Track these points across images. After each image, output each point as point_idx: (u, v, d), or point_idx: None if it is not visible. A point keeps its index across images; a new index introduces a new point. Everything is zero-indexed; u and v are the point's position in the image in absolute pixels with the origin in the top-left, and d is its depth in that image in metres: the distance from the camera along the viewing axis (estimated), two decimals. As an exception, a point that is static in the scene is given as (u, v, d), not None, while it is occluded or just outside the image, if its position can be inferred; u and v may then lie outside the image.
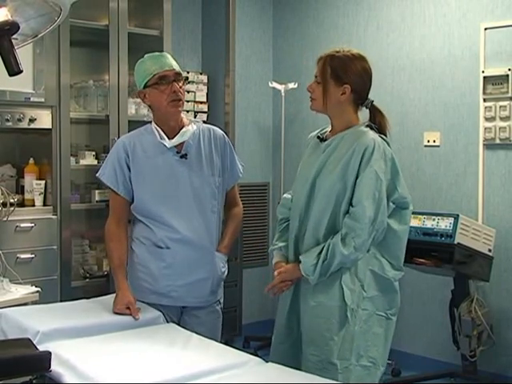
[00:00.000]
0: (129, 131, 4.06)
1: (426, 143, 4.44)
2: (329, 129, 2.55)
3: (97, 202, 4.08)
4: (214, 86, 4.87)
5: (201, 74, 4.90)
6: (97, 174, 2.72)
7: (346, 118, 2.46)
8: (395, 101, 4.57)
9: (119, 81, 4.05)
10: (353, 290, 2.37)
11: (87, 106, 4.12)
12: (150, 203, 2.64)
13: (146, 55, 2.71)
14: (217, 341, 2.42)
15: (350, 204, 2.37)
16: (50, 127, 3.81)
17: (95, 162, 4.08)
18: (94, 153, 4.09)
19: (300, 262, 2.41)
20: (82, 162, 4.04)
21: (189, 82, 2.43)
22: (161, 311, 2.56)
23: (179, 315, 2.70)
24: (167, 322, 2.55)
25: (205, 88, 4.89)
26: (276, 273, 2.50)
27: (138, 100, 4.26)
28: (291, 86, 4.97)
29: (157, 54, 2.70)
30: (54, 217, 3.82)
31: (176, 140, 2.66)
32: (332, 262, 2.34)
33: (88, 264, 4.16)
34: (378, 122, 2.47)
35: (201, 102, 4.86)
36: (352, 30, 4.88)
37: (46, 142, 3.85)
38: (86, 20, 3.99)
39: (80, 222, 4.21)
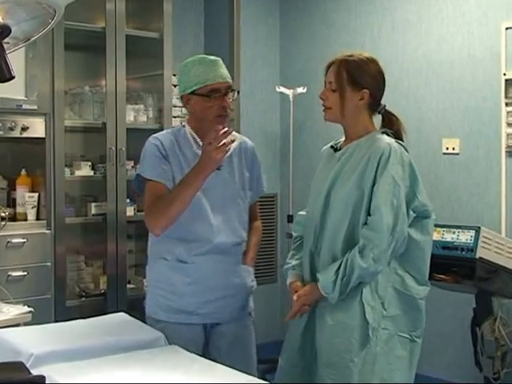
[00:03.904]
0: (127, 140, 4.10)
1: (444, 150, 4.43)
2: (343, 138, 2.55)
3: (93, 215, 4.09)
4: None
5: (203, 78, 4.92)
6: (137, 172, 2.69)
7: (362, 125, 2.48)
8: (411, 105, 4.57)
9: (117, 86, 4.07)
10: (373, 307, 2.35)
11: (83, 113, 4.13)
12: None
13: (196, 56, 2.69)
14: (251, 360, 2.50)
15: (368, 213, 2.37)
16: (44, 136, 3.83)
17: (91, 173, 4.09)
18: (89, 163, 4.10)
19: (318, 281, 2.40)
20: (78, 173, 4.05)
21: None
22: (186, 334, 2.58)
23: (207, 335, 2.69)
24: (194, 344, 2.56)
25: (207, 93, 4.91)
26: (295, 297, 2.47)
27: (137, 107, 4.29)
28: (300, 90, 4.98)
29: (209, 58, 2.66)
30: (47, 231, 3.82)
31: None
32: (351, 278, 2.32)
33: (84, 282, 4.17)
34: (394, 128, 2.48)
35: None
36: (365, 30, 4.89)
37: (38, 152, 3.86)
38: (81, 22, 4.01)
39: (75, 237, 4.21)
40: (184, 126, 2.74)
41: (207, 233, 2.62)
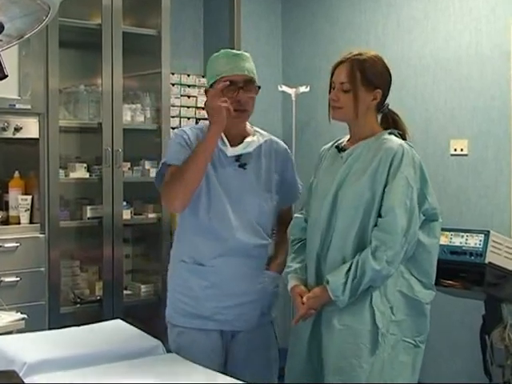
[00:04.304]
0: (124, 141, 4.10)
1: (452, 152, 4.43)
2: (346, 138, 2.56)
3: (88, 219, 4.09)
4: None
5: (203, 77, 4.91)
6: (162, 161, 2.69)
7: (369, 125, 2.50)
8: (418, 105, 4.57)
9: (113, 85, 4.07)
10: (383, 312, 2.36)
11: (78, 113, 4.13)
12: (199, 208, 2.64)
13: (222, 50, 2.72)
14: (271, 371, 2.60)
15: (379, 215, 2.37)
16: (37, 137, 3.83)
17: (87, 175, 4.09)
18: (85, 165, 4.09)
19: (327, 283, 2.39)
20: (73, 175, 4.04)
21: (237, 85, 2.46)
22: (203, 341, 2.59)
23: (226, 343, 2.69)
24: (211, 352, 2.58)
25: (207, 92, 4.91)
26: (305, 299, 2.46)
27: (134, 106, 4.29)
28: (303, 89, 4.98)
29: (233, 52, 2.70)
30: (41, 236, 3.82)
31: (239, 150, 2.67)
32: (362, 280, 2.33)
33: (79, 288, 4.16)
34: (400, 127, 2.51)
35: (203, 108, 4.87)
36: (370, 27, 4.89)
37: (32, 153, 3.86)
38: (76, 19, 4.01)
39: (70, 241, 4.21)
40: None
41: (226, 231, 2.62)
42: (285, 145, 2.85)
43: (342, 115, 2.50)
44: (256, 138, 2.73)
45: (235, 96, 2.59)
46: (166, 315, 2.76)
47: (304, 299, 2.46)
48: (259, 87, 2.67)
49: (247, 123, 2.76)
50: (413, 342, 2.41)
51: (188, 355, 2.49)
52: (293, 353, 2.59)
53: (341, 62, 2.49)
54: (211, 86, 2.65)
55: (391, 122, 2.53)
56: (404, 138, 2.50)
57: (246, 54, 2.69)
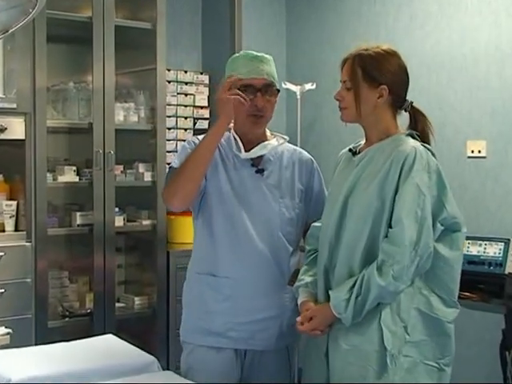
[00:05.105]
0: (116, 142, 4.10)
1: (469, 154, 4.43)
2: (363, 141, 2.54)
3: (78, 226, 4.09)
4: (217, 87, 4.87)
5: (201, 73, 4.93)
6: (170, 165, 2.73)
7: (383, 125, 2.46)
8: (432, 105, 4.56)
9: (105, 82, 4.08)
10: (394, 331, 2.31)
11: (67, 112, 4.14)
12: (214, 211, 2.66)
13: (244, 51, 2.76)
14: None
15: (390, 225, 2.35)
16: (24, 138, 3.83)
17: (76, 179, 4.09)
18: (74, 168, 4.10)
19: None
20: (61, 178, 4.05)
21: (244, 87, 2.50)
22: (214, 360, 2.59)
23: (242, 364, 2.67)
24: (223, 372, 2.57)
25: (206, 90, 4.92)
26: (298, 319, 2.44)
27: (127, 105, 4.30)
28: (308, 86, 4.98)
29: (252, 54, 2.70)
30: (27, 244, 3.82)
31: (253, 152, 2.68)
32: (367, 297, 2.29)
33: (68, 300, 4.16)
34: (420, 128, 2.47)
35: (201, 107, 4.88)
36: (380, 20, 4.89)
37: (18, 156, 3.87)
38: (65, 11, 4.02)
39: (58, 250, 4.21)
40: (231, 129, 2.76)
41: (242, 240, 2.62)
42: (309, 155, 2.85)
43: (349, 116, 2.48)
44: (274, 141, 2.74)
45: (252, 101, 2.61)
46: (180, 332, 2.78)
47: (298, 319, 2.44)
48: (278, 91, 2.69)
49: (266, 129, 2.77)
50: (436, 364, 2.36)
51: (198, 376, 2.50)
52: (308, 376, 2.57)
53: (347, 59, 2.49)
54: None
55: (412, 122, 2.50)
56: (425, 140, 2.46)
57: (266, 56, 2.71)
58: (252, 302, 2.62)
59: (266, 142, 2.71)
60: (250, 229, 2.63)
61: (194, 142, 2.69)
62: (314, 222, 2.68)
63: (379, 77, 2.43)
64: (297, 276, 2.65)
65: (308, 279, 2.55)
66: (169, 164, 3.17)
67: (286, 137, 2.81)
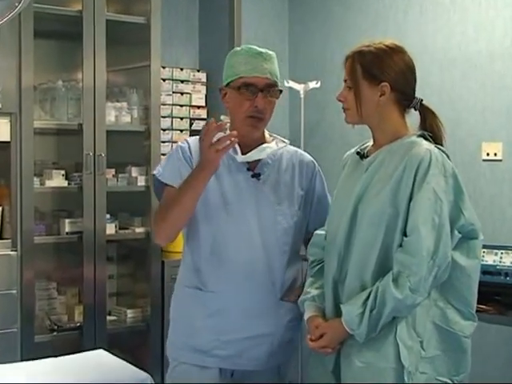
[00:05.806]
0: (107, 144, 4.11)
1: (484, 157, 4.43)
2: (370, 143, 2.54)
3: (67, 234, 4.09)
4: (215, 86, 4.88)
5: (198, 71, 4.93)
6: (153, 172, 2.73)
7: (391, 126, 2.45)
8: (445, 104, 4.56)
9: (95, 81, 4.08)
10: (410, 347, 2.30)
11: (55, 112, 4.14)
12: (200, 223, 2.64)
13: (245, 46, 2.72)
14: None
15: (404, 234, 2.33)
16: (9, 140, 3.84)
17: (65, 184, 4.09)
18: (63, 172, 4.10)
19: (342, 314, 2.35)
20: (49, 183, 4.05)
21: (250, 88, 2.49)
22: (197, 379, 2.57)
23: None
24: None
25: (203, 89, 4.92)
26: (317, 333, 2.42)
27: (119, 105, 4.30)
28: (312, 85, 4.99)
29: (255, 50, 2.66)
30: (12, 253, 3.82)
31: (250, 155, 2.65)
32: (383, 311, 2.28)
33: (56, 313, 4.17)
34: (430, 127, 2.46)
35: (198, 107, 4.88)
36: (388, 14, 4.90)
37: (3, 159, 3.88)
38: (53, 5, 4.03)
39: (46, 259, 4.21)
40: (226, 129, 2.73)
41: (231, 251, 2.60)
42: (310, 157, 2.83)
43: (352, 118, 2.47)
44: (273, 144, 2.72)
45: (252, 101, 2.59)
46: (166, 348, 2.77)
47: (317, 333, 2.41)
48: (281, 91, 2.67)
49: (265, 131, 2.75)
50: (449, 381, 2.35)
51: None
52: None
53: (348, 57, 2.49)
54: (227, 84, 2.65)
55: (422, 121, 2.49)
56: (437, 142, 2.45)
57: (270, 52, 2.67)
58: (241, 319, 2.60)
59: (265, 145, 2.68)
60: (239, 239, 2.60)
61: (182, 148, 2.67)
62: (316, 229, 2.67)
63: (380, 74, 2.41)
64: (292, 290, 2.66)
65: (314, 292, 2.53)
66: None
67: (286, 140, 2.80)
